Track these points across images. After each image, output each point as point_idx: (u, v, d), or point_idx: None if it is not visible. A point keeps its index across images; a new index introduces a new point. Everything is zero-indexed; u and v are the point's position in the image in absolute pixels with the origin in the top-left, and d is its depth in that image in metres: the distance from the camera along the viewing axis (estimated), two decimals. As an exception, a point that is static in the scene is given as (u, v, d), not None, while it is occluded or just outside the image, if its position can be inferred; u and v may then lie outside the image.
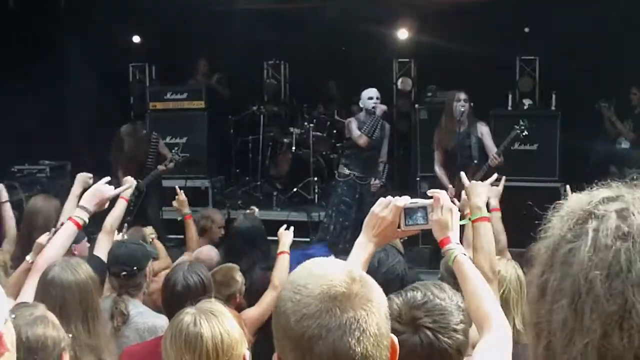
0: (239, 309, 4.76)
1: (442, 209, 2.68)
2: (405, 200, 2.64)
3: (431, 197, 2.70)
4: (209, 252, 5.91)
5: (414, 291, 2.43)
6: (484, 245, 3.33)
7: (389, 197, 2.68)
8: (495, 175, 4.47)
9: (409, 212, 2.63)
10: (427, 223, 2.67)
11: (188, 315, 2.76)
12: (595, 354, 1.02)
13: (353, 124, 9.08)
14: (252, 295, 5.03)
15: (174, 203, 6.66)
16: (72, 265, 3.55)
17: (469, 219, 3.20)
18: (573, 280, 1.05)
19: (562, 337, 1.06)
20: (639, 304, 0.99)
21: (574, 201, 1.13)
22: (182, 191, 6.73)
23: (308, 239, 9.95)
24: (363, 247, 2.64)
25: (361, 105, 9.23)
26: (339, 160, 9.62)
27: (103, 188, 4.19)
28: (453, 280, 3.95)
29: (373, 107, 8.97)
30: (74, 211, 4.09)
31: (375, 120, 8.91)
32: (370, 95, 9.09)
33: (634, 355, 0.99)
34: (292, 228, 5.31)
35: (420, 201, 2.68)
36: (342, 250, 8.20)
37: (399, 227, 2.65)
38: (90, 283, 3.54)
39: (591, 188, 1.15)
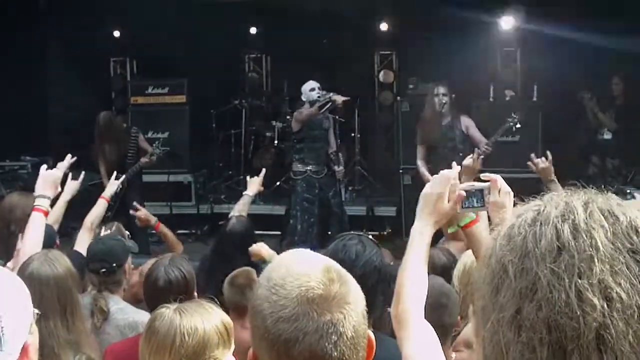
0: None
1: (500, 192, 2.69)
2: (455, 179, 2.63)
3: (487, 181, 2.71)
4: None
5: None
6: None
7: (436, 175, 2.64)
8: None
9: (465, 194, 2.63)
10: (484, 205, 2.67)
11: (163, 309, 2.74)
12: (509, 328, 1.09)
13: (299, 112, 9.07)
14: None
15: (137, 222, 6.46)
16: (50, 259, 3.51)
17: (458, 225, 3.15)
18: (492, 269, 1.15)
19: (484, 320, 1.15)
20: (545, 275, 1.08)
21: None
22: (137, 206, 6.46)
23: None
24: (421, 233, 2.53)
25: (304, 99, 9.13)
26: (292, 158, 9.43)
27: (48, 172, 4.33)
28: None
29: (318, 96, 8.87)
30: (36, 201, 4.15)
31: (325, 99, 8.76)
32: (312, 87, 9.05)
33: (545, 325, 1.06)
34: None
35: (477, 184, 2.69)
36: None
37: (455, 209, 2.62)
38: (69, 277, 3.50)
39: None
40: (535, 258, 1.09)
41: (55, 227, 5.10)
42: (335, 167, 9.13)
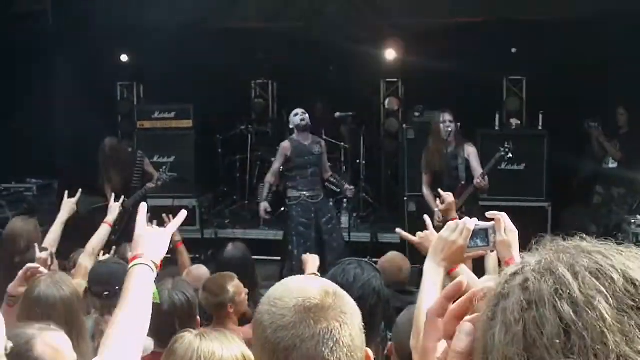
0: (244, 320, 4.73)
1: (506, 230, 2.73)
2: (470, 224, 2.62)
3: (491, 219, 2.69)
4: (199, 270, 5.90)
5: None
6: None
7: (458, 221, 2.65)
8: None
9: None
10: (488, 245, 2.64)
11: (185, 332, 2.78)
12: None
13: (281, 150, 9.18)
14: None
15: None
16: (56, 281, 3.53)
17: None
18: None
19: None
20: None
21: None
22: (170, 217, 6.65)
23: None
24: (435, 271, 2.61)
25: (292, 126, 9.23)
26: (285, 187, 9.43)
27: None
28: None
29: (302, 120, 9.04)
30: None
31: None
32: (295, 112, 9.17)
33: None
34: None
35: (481, 223, 2.66)
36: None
37: None
38: (75, 299, 3.52)
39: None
40: (544, 346, 1.01)
41: (53, 249, 5.07)
42: (345, 186, 9.15)
